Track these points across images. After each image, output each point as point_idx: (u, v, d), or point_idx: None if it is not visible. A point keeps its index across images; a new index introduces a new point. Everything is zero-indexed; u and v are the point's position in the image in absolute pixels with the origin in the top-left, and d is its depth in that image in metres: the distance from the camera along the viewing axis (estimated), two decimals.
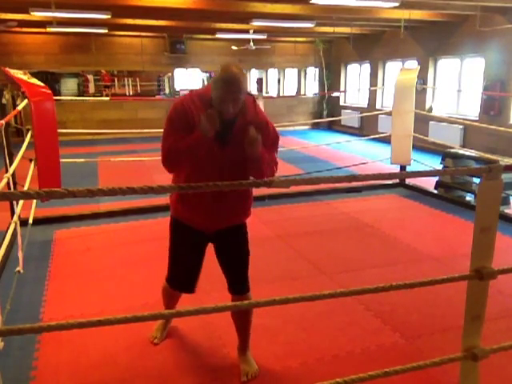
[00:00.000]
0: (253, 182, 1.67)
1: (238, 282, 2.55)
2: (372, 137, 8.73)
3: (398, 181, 6.90)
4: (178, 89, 16.99)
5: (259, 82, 18.80)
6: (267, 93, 18.08)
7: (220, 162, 2.27)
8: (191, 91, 2.32)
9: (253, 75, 19.47)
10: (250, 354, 2.67)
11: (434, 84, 10.39)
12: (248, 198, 2.47)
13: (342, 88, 14.03)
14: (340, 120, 13.45)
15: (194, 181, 2.20)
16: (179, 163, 2.30)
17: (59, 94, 13.92)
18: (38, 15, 8.02)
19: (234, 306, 2.45)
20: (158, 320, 2.95)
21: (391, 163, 6.72)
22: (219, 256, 2.57)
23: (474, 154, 6.19)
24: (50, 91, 4.55)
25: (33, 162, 4.58)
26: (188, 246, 2.53)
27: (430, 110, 10.24)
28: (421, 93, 9.78)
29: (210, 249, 2.62)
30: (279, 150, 2.49)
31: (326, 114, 14.05)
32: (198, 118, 2.18)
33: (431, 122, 9.85)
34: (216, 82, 2.16)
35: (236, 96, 2.14)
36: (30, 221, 4.50)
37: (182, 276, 2.60)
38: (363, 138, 9.88)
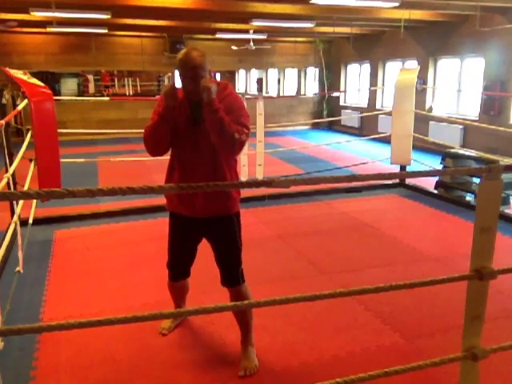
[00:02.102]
0: (253, 181, 1.66)
1: (227, 274, 2.61)
2: (372, 137, 8.73)
3: (397, 181, 6.90)
4: None
5: (259, 81, 18.77)
6: (267, 93, 18.08)
7: (194, 140, 2.41)
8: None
9: (253, 75, 19.49)
10: (252, 350, 2.68)
11: (434, 84, 10.39)
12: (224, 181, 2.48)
13: (342, 88, 14.03)
14: (340, 120, 13.45)
15: (175, 160, 2.48)
16: (156, 140, 2.43)
17: (59, 94, 13.95)
18: (38, 15, 8.03)
19: (234, 306, 2.45)
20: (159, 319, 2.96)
21: (391, 163, 6.72)
22: (212, 248, 2.65)
23: (474, 154, 6.19)
24: (49, 91, 4.55)
25: (33, 162, 4.58)
26: (179, 233, 2.66)
27: (430, 110, 10.24)
28: (421, 93, 9.78)
29: (208, 247, 2.65)
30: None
31: (326, 113, 14.04)
32: (176, 106, 2.37)
33: (431, 122, 9.85)
34: (178, 65, 2.34)
35: (193, 73, 2.29)
36: (30, 221, 4.50)
37: (174, 262, 2.73)
38: (363, 138, 9.88)
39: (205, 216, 2.51)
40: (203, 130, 2.35)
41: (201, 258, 2.77)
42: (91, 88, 15.65)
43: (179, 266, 2.74)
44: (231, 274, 2.59)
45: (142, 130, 2.48)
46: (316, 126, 14.56)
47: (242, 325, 2.68)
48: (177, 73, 2.42)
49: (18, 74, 4.52)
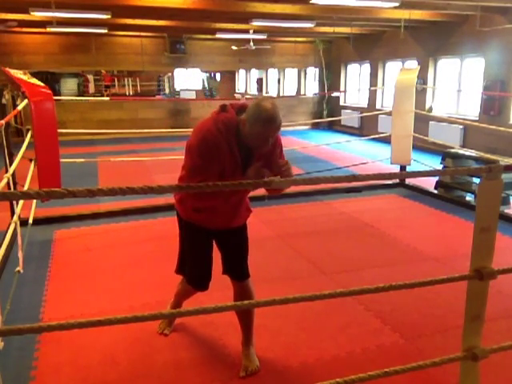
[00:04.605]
0: (253, 181, 1.66)
1: (239, 268, 2.62)
2: (372, 137, 8.73)
3: (397, 181, 6.90)
4: (178, 89, 17.03)
5: (259, 82, 18.81)
6: (267, 93, 18.09)
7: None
8: (214, 118, 2.28)
9: (253, 75, 19.50)
10: (253, 350, 2.68)
11: (434, 84, 10.39)
12: (246, 198, 2.61)
13: (342, 88, 14.03)
14: (340, 120, 13.45)
15: (215, 201, 2.38)
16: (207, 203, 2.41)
17: (59, 94, 13.96)
18: (38, 15, 8.02)
19: (234, 306, 2.45)
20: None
21: (391, 163, 6.72)
22: (223, 246, 2.65)
23: (474, 154, 6.19)
24: (49, 91, 4.55)
25: (33, 162, 4.58)
26: (205, 244, 2.62)
27: (430, 110, 10.24)
28: (421, 93, 9.78)
29: None
30: None
31: (326, 113, 14.04)
32: (227, 150, 2.23)
33: (431, 122, 9.85)
34: (256, 120, 2.14)
35: (276, 132, 2.21)
36: (30, 221, 4.50)
37: (204, 273, 2.66)
38: (363, 138, 9.88)
39: (234, 227, 2.58)
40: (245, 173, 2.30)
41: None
42: (91, 88, 15.66)
43: (209, 275, 2.67)
44: (244, 268, 2.63)
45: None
46: (316, 126, 14.56)
47: (245, 325, 2.67)
48: (226, 107, 2.27)
49: (18, 74, 4.52)
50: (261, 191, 2.24)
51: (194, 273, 2.67)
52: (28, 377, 2.57)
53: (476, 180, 5.93)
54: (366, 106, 12.64)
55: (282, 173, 2.21)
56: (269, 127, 2.15)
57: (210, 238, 2.61)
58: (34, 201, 4.72)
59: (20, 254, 3.78)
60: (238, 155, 2.27)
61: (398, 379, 2.16)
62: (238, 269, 2.63)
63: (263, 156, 2.31)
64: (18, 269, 3.67)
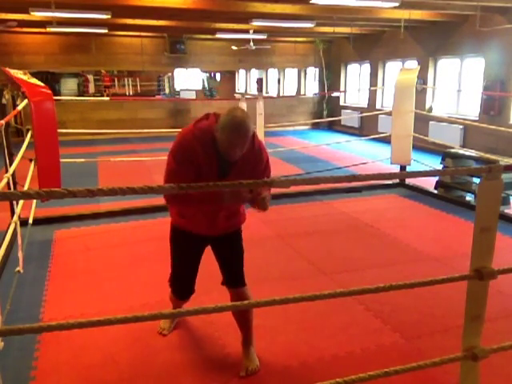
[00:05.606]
0: (253, 182, 1.66)
1: (233, 275, 2.64)
2: (372, 137, 8.73)
3: (397, 181, 6.90)
4: (178, 89, 17.02)
5: (259, 82, 18.81)
6: (267, 93, 18.09)
7: (218, 193, 2.29)
8: (194, 124, 2.32)
9: (253, 75, 19.50)
10: (253, 350, 2.68)
11: (434, 84, 10.38)
12: (241, 206, 2.61)
13: (342, 88, 14.03)
14: (340, 120, 13.45)
15: (194, 209, 2.45)
16: (184, 205, 2.44)
17: (59, 94, 13.95)
18: (38, 15, 8.02)
19: (233, 306, 2.45)
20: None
21: (391, 163, 6.72)
22: (217, 254, 2.67)
23: (474, 154, 6.19)
24: (49, 91, 4.55)
25: (33, 162, 4.58)
26: (190, 252, 2.66)
27: (430, 110, 10.23)
28: (421, 93, 9.78)
29: (208, 248, 2.66)
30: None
31: (326, 114, 14.04)
32: (201, 155, 2.26)
33: (431, 122, 9.85)
34: (224, 127, 2.17)
35: (243, 141, 2.20)
36: (30, 221, 4.50)
37: (185, 284, 2.74)
38: (363, 138, 9.88)
39: (221, 234, 2.57)
40: (233, 173, 2.31)
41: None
42: (91, 88, 15.65)
43: (190, 285, 2.73)
44: (238, 275, 2.63)
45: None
46: (316, 126, 14.56)
47: (243, 326, 2.68)
48: (208, 116, 2.31)
49: (18, 74, 4.52)
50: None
51: (176, 284, 2.77)
52: (28, 377, 2.57)
53: (476, 180, 5.93)
54: (366, 106, 12.64)
55: (257, 202, 2.25)
56: (235, 135, 2.17)
57: (199, 246, 2.63)
58: (34, 201, 4.71)
59: (20, 254, 3.78)
60: (214, 162, 2.29)
61: (398, 379, 2.16)
62: (231, 277, 2.64)
63: (243, 168, 2.31)
64: (18, 269, 3.67)
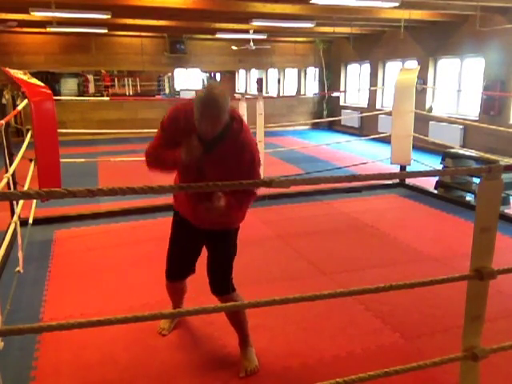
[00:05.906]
0: (253, 182, 1.66)
1: (215, 283, 2.61)
2: (372, 137, 8.73)
3: (398, 181, 6.90)
4: (178, 89, 17.02)
5: (259, 82, 18.81)
6: (267, 93, 18.09)
7: (201, 167, 2.33)
8: (191, 100, 2.28)
9: (253, 75, 19.50)
10: (251, 350, 2.68)
11: (434, 84, 10.38)
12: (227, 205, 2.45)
13: (342, 88, 14.02)
14: (340, 120, 13.44)
15: (180, 181, 2.50)
16: (158, 168, 2.44)
17: (59, 94, 13.95)
18: (38, 15, 8.02)
19: (233, 306, 2.45)
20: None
21: (391, 163, 6.72)
22: (207, 255, 2.66)
23: (474, 154, 6.18)
24: (49, 91, 4.55)
25: (33, 162, 4.58)
26: (178, 233, 2.66)
27: (430, 110, 10.23)
28: (421, 93, 9.77)
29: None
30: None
31: (326, 114, 14.04)
32: (184, 125, 2.28)
33: (431, 122, 9.85)
34: (197, 101, 2.16)
35: (212, 116, 2.14)
36: (30, 221, 4.50)
37: (175, 263, 2.73)
38: (363, 138, 9.88)
39: (207, 228, 2.53)
40: (212, 160, 2.30)
41: (200, 259, 2.76)
42: (91, 88, 15.65)
43: (178, 264, 2.73)
44: (219, 282, 2.59)
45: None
46: (316, 126, 14.56)
47: (237, 327, 2.68)
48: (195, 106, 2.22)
49: (18, 74, 4.52)
50: (261, 191, 2.24)
51: (166, 263, 2.76)
52: (28, 377, 2.57)
53: (476, 180, 5.93)
54: (366, 105, 12.63)
55: (205, 206, 2.22)
56: (204, 108, 2.13)
57: (189, 233, 2.59)
58: (34, 201, 4.71)
59: (20, 254, 3.78)
60: (195, 137, 2.23)
61: (398, 379, 2.16)
62: (213, 284, 2.61)
63: (223, 156, 2.29)
64: (18, 269, 3.67)
